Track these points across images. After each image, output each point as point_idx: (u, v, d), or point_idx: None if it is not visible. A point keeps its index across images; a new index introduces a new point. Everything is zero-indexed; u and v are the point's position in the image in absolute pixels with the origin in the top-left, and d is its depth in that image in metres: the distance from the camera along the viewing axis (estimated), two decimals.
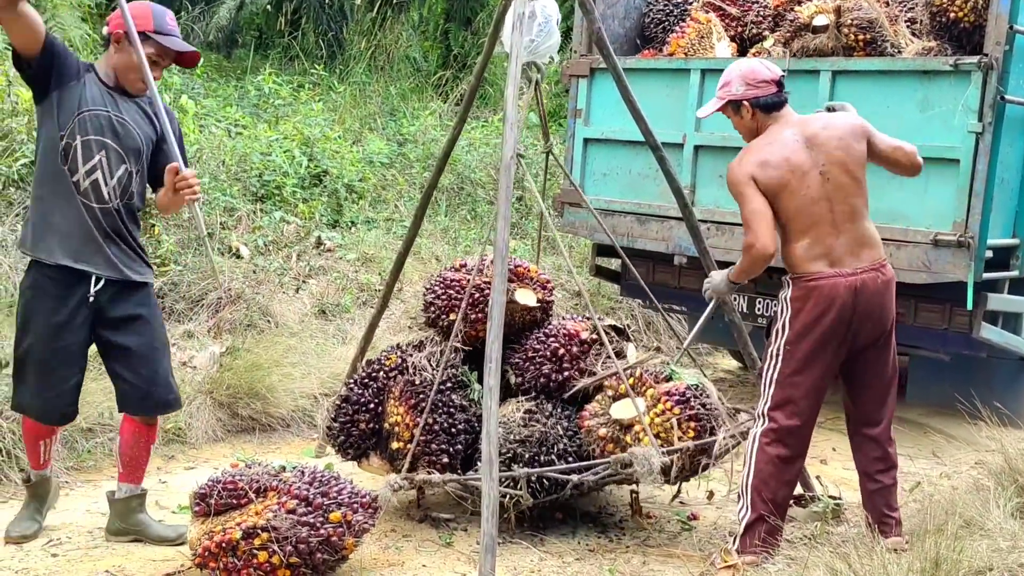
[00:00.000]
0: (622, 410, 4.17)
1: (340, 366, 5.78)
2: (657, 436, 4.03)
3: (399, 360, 4.39)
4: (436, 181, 4.87)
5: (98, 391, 4.96)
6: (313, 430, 5.59)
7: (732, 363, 8.24)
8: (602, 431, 4.17)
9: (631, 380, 4.22)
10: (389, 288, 5.16)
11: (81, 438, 4.88)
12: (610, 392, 4.26)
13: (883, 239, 5.44)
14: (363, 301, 7.18)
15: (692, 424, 4.06)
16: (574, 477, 4.02)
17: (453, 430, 4.18)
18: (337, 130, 9.60)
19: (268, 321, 6.46)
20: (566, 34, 7.85)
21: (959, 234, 5.19)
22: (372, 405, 4.36)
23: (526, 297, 4.43)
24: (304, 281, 7.13)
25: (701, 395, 4.17)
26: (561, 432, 4.19)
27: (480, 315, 4.34)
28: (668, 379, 4.26)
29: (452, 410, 4.21)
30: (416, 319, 7.19)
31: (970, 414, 5.08)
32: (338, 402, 4.45)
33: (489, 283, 4.33)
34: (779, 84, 4.00)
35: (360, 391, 4.40)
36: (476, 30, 14.61)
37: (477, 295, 4.35)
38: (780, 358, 3.91)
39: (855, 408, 4.12)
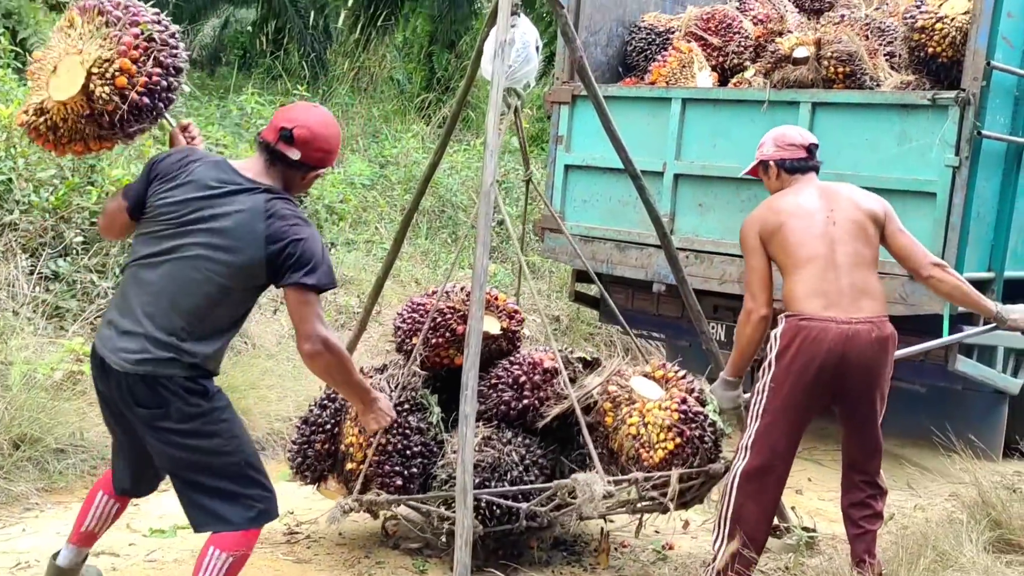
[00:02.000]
0: (644, 387, 4.20)
1: (316, 389, 5.73)
2: (641, 429, 4.06)
3: None
4: (416, 204, 4.87)
5: (70, 411, 4.93)
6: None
7: None
8: (611, 388, 4.21)
9: (660, 373, 4.31)
10: (367, 311, 5.14)
11: (52, 459, 4.83)
12: (648, 371, 4.30)
13: None
14: (341, 324, 7.16)
15: (675, 439, 4.03)
16: (524, 505, 3.97)
17: (408, 452, 4.14)
18: None
19: (245, 343, 6.42)
20: (549, 59, 7.89)
21: None
22: (329, 426, 4.31)
23: (489, 324, 4.40)
24: (282, 302, 7.10)
25: (706, 430, 4.14)
26: (516, 460, 4.13)
27: (440, 340, 4.33)
28: (701, 401, 4.24)
29: (407, 431, 4.17)
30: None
31: (944, 446, 5.10)
32: (298, 424, 4.42)
33: (452, 308, 4.34)
34: (808, 150, 4.06)
35: (318, 412, 4.36)
36: (460, 53, 14.65)
37: (439, 319, 4.34)
38: (765, 394, 3.87)
39: (846, 450, 4.06)
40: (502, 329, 4.46)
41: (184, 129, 3.44)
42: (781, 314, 3.93)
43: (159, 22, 3.28)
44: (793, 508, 4.75)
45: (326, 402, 4.38)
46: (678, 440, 4.04)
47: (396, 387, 4.27)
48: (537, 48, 4.32)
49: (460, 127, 12.35)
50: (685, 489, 4.08)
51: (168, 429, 3.08)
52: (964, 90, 5.18)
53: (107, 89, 3.12)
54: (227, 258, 3.05)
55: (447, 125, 4.64)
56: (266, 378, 5.85)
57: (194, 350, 3.07)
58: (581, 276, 7.13)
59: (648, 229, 5.56)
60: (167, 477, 3.29)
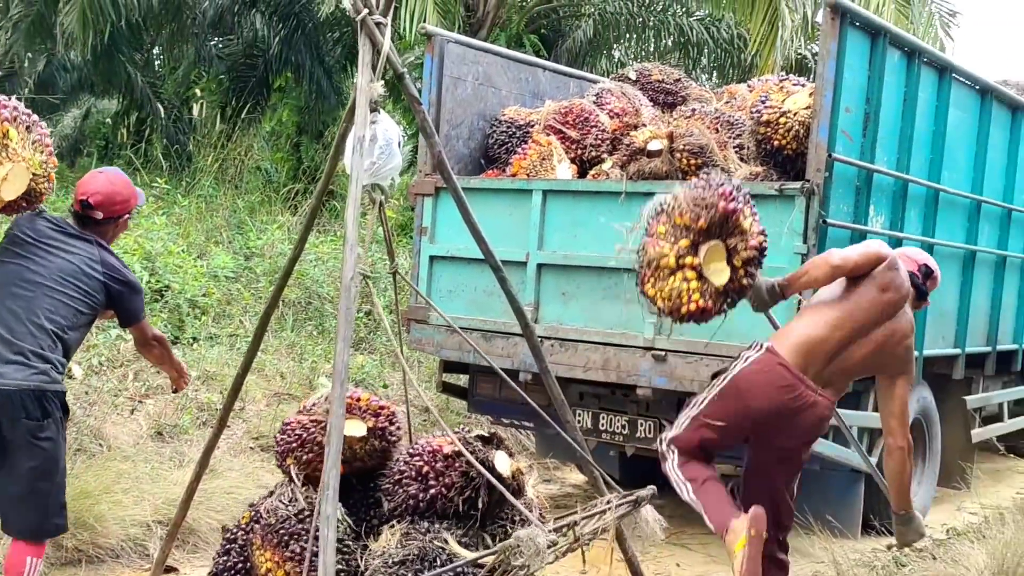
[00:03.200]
0: (713, 266, 3.94)
1: (176, 491, 5.54)
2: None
3: (253, 513, 4.28)
4: (277, 298, 4.80)
5: None
6: (145, 560, 5.33)
7: (579, 477, 8.28)
8: (666, 248, 3.93)
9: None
10: (227, 408, 5.01)
11: None
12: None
13: (719, 355, 5.64)
14: (203, 421, 6.96)
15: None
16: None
17: None
18: (181, 244, 9.42)
19: (100, 444, 6.18)
20: (415, 150, 7.98)
21: None
22: (240, 565, 4.23)
23: (353, 428, 4.31)
24: (140, 401, 6.88)
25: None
26: (443, 543, 4.09)
27: (310, 455, 4.25)
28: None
29: (317, 536, 4.08)
30: (259, 439, 7.03)
31: (805, 526, 5.21)
32: None
33: (315, 422, 4.27)
34: (920, 269, 4.24)
35: (224, 559, 4.28)
36: (327, 143, 14.70)
37: (305, 435, 4.28)
38: (706, 402, 4.01)
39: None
40: (369, 429, 4.38)
41: None
42: (766, 342, 4.01)
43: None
44: None
45: (228, 546, 4.30)
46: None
47: (289, 502, 4.18)
48: (400, 144, 4.36)
49: (328, 217, 12.32)
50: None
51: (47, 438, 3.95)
52: (808, 181, 5.41)
53: (46, 184, 4.08)
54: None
55: (307, 218, 4.61)
56: (121, 481, 5.61)
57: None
58: (449, 366, 7.12)
59: (513, 319, 5.61)
60: None
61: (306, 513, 4.15)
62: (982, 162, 7.06)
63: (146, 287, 8.16)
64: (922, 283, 4.22)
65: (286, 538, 4.06)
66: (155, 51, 17.10)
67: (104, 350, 7.22)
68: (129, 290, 4.28)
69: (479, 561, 3.99)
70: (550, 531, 3.86)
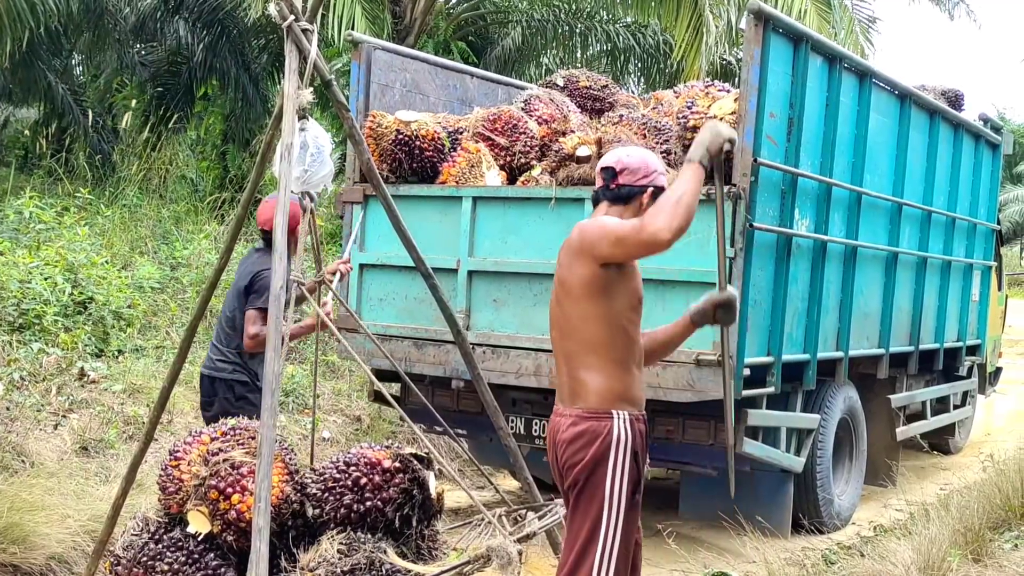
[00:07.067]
0: None
1: (102, 507, 5.41)
2: None
3: (112, 560, 4.20)
4: (203, 310, 4.73)
5: None
6: None
7: (514, 484, 8.28)
8: None
9: None
10: (154, 422, 4.92)
11: None
12: None
13: None
14: (129, 435, 6.82)
15: None
16: None
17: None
18: (104, 255, 9.23)
19: (23, 461, 6.02)
20: (343, 158, 7.92)
21: (719, 354, 5.44)
22: None
23: (197, 523, 4.14)
24: (64, 416, 6.72)
25: None
26: (385, 551, 4.06)
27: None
28: None
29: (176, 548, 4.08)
30: None
31: (736, 527, 5.27)
32: None
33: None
34: (603, 171, 3.58)
35: None
36: (254, 151, 14.55)
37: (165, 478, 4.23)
38: None
39: None
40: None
41: None
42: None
43: None
44: None
45: None
46: None
47: (140, 531, 4.17)
48: (329, 152, 4.33)
49: (255, 226, 12.17)
50: None
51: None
52: (735, 185, 5.47)
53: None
54: None
55: (233, 227, 4.56)
56: (45, 499, 5.47)
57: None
58: (380, 376, 7.07)
59: (444, 326, 5.59)
60: None
61: (161, 532, 4.13)
62: (902, 165, 7.23)
63: (68, 299, 7.99)
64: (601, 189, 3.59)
65: (150, 563, 4.03)
66: (76, 58, 16.77)
67: (26, 364, 7.04)
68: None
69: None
70: (515, 541, 3.87)
